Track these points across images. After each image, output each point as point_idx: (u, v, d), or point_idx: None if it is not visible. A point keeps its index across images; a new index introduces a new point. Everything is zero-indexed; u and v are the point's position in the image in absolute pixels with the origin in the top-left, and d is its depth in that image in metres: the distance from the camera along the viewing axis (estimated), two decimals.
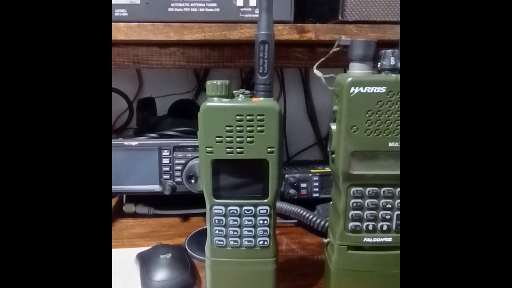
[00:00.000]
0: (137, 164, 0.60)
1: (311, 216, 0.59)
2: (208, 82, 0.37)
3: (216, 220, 0.39)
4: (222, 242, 0.40)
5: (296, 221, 0.62)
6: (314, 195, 0.66)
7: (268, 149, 0.36)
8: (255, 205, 0.39)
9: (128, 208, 0.66)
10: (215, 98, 0.37)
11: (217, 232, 0.39)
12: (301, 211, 0.60)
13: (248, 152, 0.37)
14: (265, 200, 0.38)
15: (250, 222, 0.39)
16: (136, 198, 0.67)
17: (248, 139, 0.36)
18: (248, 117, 0.36)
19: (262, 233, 0.39)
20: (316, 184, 0.66)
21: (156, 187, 0.61)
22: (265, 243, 0.39)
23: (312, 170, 0.67)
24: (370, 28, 0.54)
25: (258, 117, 0.36)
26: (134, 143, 0.60)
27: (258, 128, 0.36)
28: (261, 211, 0.39)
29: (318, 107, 0.89)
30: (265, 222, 0.39)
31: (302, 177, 0.66)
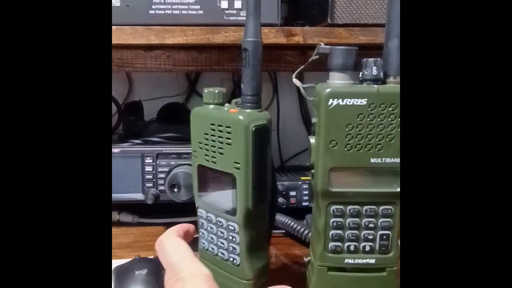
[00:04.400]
0: (119, 171, 0.58)
1: (298, 227, 0.56)
2: (205, 90, 0.37)
3: (200, 222, 0.40)
4: (204, 245, 0.40)
5: (284, 231, 0.59)
6: (304, 203, 0.63)
7: (235, 164, 0.34)
8: (226, 219, 0.37)
9: (112, 216, 0.64)
10: (211, 106, 0.37)
11: (201, 234, 0.40)
12: (288, 221, 0.57)
13: (220, 163, 0.35)
14: (234, 217, 0.36)
15: (222, 234, 0.37)
16: (121, 206, 0.65)
17: (219, 149, 0.35)
18: (219, 127, 0.34)
19: (231, 249, 0.37)
20: (306, 192, 0.63)
21: (139, 196, 0.59)
22: (235, 261, 0.37)
23: (302, 178, 0.64)
24: (361, 31, 0.51)
25: (226, 129, 0.34)
26: (116, 150, 0.58)
27: (227, 140, 0.34)
28: (230, 227, 0.36)
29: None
30: (234, 239, 0.36)
31: (292, 185, 0.63)
